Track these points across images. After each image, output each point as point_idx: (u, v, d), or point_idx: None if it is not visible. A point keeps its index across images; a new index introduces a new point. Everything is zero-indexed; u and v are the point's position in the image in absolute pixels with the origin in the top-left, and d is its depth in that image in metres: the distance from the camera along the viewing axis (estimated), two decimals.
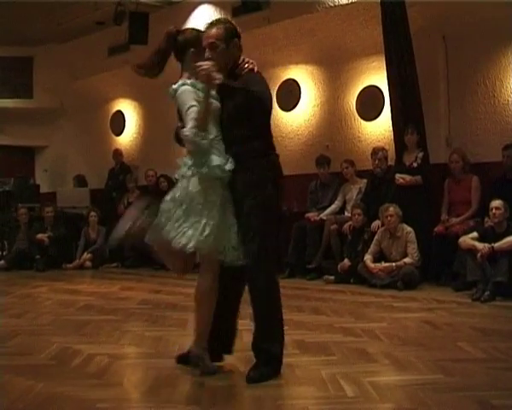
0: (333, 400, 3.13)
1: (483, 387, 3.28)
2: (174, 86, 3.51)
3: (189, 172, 3.50)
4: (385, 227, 7.31)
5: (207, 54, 3.56)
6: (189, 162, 3.51)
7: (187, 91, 3.47)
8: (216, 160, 3.49)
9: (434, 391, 3.20)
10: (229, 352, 3.81)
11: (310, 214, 8.52)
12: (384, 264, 7.14)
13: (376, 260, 7.26)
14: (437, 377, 3.48)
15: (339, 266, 7.67)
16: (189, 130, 3.40)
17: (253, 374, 3.48)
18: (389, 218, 7.19)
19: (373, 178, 8.16)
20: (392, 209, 7.19)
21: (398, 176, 7.60)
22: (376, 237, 7.35)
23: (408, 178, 7.53)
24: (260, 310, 3.59)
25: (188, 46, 3.57)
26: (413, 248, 7.09)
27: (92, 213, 10.62)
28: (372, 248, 7.33)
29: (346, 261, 7.62)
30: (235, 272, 3.59)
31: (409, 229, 7.17)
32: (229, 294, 3.66)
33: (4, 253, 10.48)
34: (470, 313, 5.56)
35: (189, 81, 3.51)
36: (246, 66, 3.63)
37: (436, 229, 7.30)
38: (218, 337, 3.66)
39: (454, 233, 7.07)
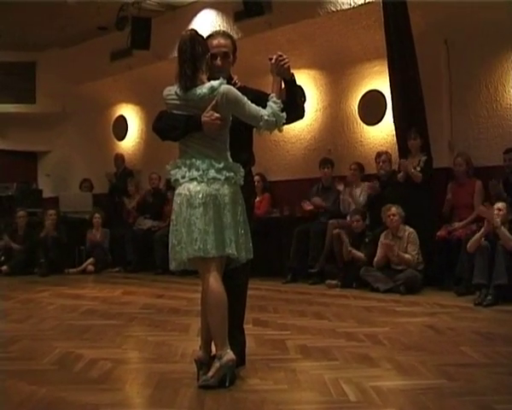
0: (335, 404, 3.12)
1: (486, 392, 3.27)
2: (214, 84, 3.44)
3: (222, 177, 3.45)
4: (387, 231, 7.32)
5: (219, 62, 3.65)
6: (219, 165, 3.46)
7: (233, 88, 3.50)
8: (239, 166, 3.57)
9: (437, 396, 3.20)
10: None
11: (305, 204, 8.52)
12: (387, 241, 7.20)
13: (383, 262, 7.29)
14: (440, 381, 3.47)
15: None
16: (273, 107, 3.47)
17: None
18: (392, 217, 7.22)
19: (376, 180, 8.15)
20: (395, 209, 7.21)
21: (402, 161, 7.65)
22: (380, 239, 7.35)
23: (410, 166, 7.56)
24: (242, 305, 3.81)
25: (207, 50, 3.58)
26: (413, 249, 7.10)
27: (96, 215, 10.68)
28: (378, 252, 7.34)
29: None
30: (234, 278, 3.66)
31: (411, 230, 7.21)
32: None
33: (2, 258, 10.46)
34: (473, 317, 5.56)
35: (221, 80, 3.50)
36: (237, 82, 3.77)
37: (439, 233, 7.30)
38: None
39: (457, 237, 7.07)
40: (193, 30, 3.60)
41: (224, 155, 3.53)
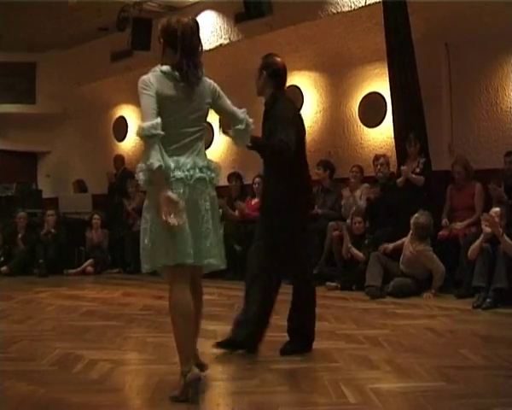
0: (335, 406, 3.12)
1: (485, 394, 3.27)
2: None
3: (206, 176, 3.36)
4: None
5: None
6: (203, 163, 3.36)
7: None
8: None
9: (436, 398, 3.20)
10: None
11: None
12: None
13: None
14: (439, 384, 3.47)
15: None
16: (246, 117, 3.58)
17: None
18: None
19: (376, 184, 8.15)
20: (417, 216, 6.99)
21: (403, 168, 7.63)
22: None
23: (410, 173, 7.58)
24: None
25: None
26: (437, 266, 6.89)
27: (95, 216, 10.69)
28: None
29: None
30: None
31: (427, 247, 6.98)
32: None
33: (2, 258, 10.45)
34: (472, 320, 5.56)
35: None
36: None
37: (440, 233, 7.29)
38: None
39: (456, 239, 7.07)
40: (194, 19, 3.52)
41: (203, 151, 3.44)
